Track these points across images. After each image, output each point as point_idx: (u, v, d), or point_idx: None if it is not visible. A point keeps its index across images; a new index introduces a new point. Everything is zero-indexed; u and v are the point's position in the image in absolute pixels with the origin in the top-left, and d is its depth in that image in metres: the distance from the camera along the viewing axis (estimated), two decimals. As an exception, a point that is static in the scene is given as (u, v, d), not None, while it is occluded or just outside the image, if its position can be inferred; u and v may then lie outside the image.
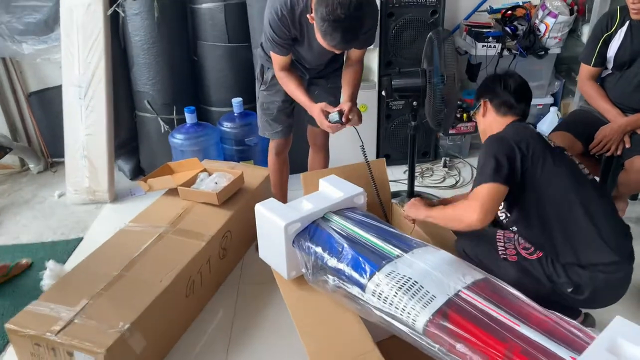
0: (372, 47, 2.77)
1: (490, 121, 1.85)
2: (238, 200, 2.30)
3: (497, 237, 1.74)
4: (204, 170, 2.43)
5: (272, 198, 1.87)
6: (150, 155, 3.04)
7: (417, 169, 2.98)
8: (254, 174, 2.48)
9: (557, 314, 1.35)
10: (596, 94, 2.29)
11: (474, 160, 3.17)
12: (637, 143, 2.12)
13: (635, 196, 2.66)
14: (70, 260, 2.39)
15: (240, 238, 2.32)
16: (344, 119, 1.96)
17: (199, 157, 2.58)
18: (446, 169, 3.08)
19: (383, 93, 2.31)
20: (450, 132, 3.06)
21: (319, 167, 2.44)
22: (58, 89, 2.97)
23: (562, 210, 1.63)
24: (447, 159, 3.12)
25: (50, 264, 2.20)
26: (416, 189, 2.67)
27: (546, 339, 1.23)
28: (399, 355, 1.51)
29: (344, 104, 2.02)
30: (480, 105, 1.89)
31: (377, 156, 3.09)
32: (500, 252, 1.69)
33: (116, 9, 2.74)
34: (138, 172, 3.13)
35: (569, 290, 1.60)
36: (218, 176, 2.33)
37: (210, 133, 2.80)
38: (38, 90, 3.19)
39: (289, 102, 2.24)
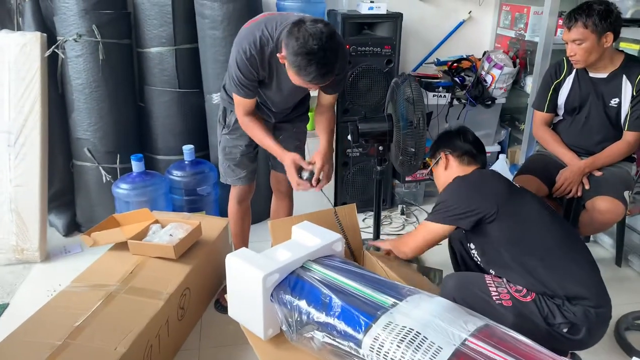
0: (329, 93, 2.74)
1: (453, 172, 1.86)
2: (196, 253, 2.10)
3: (487, 281, 1.68)
4: (156, 221, 2.21)
5: (244, 247, 1.70)
6: (89, 209, 2.75)
7: (375, 217, 2.92)
8: (210, 225, 2.29)
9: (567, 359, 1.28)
10: (551, 139, 2.37)
11: (430, 208, 3.15)
12: (596, 184, 2.19)
13: (588, 238, 2.73)
14: (-6, 331, 2.03)
15: (199, 295, 2.10)
16: (314, 182, 1.89)
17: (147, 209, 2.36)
18: (404, 217, 3.04)
19: (349, 137, 2.25)
20: (407, 179, 3.05)
21: (283, 215, 2.30)
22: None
23: (538, 247, 1.65)
24: (404, 206, 3.09)
25: (-29, 337, 1.85)
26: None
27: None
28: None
29: (317, 156, 1.93)
30: (440, 159, 1.92)
31: (335, 204, 2.99)
32: (494, 297, 1.62)
33: (55, 50, 2.53)
34: (73, 228, 2.81)
35: (565, 330, 1.56)
36: (173, 227, 2.13)
37: (159, 182, 2.59)
38: (-45, 138, 2.84)
39: (253, 147, 2.12)
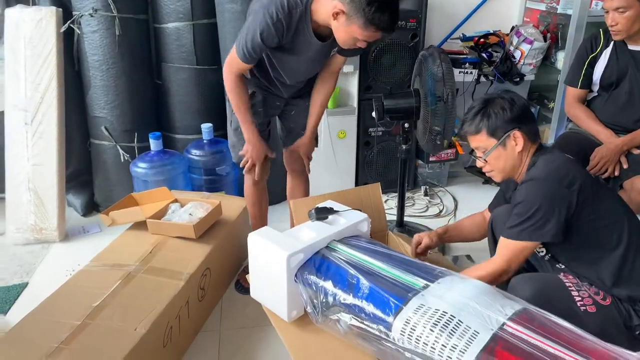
0: (351, 70, 2.65)
1: (524, 152, 1.57)
2: (216, 233, 2.04)
3: (568, 285, 1.49)
4: (175, 200, 2.16)
5: (267, 226, 1.64)
6: (107, 188, 2.72)
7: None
8: (230, 205, 2.23)
9: (617, 347, 1.19)
10: (586, 116, 2.26)
11: (454, 189, 3.08)
12: (634, 163, 2.08)
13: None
14: (13, 311, 2.01)
15: (219, 276, 2.05)
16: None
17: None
18: (428, 198, 2.95)
19: (373, 114, 2.16)
20: (431, 159, 2.95)
21: (299, 195, 2.23)
22: (0, 115, 2.62)
23: (620, 243, 1.48)
24: (427, 187, 3.00)
25: (-12, 315, 1.83)
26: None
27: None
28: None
29: (302, 148, 2.09)
30: (508, 137, 1.54)
31: (356, 184, 2.92)
32: (578, 303, 1.45)
33: (71, 25, 2.47)
34: (91, 207, 2.78)
35: (638, 332, 1.45)
36: (193, 206, 2.07)
37: (178, 161, 2.54)
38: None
39: (266, 125, 2.06)
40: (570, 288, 1.49)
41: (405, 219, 2.65)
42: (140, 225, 2.05)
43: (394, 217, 2.51)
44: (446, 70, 1.99)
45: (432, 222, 2.69)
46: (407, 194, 2.98)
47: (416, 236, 1.89)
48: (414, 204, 2.91)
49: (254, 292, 1.66)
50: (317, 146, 2.18)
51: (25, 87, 2.46)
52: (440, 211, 2.84)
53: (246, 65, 1.81)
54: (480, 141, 1.60)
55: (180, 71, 2.66)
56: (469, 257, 2.27)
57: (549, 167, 1.50)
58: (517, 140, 1.54)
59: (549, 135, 2.99)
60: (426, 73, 2.08)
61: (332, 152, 2.78)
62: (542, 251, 1.62)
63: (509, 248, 1.51)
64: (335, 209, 1.70)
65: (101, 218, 2.08)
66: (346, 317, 1.38)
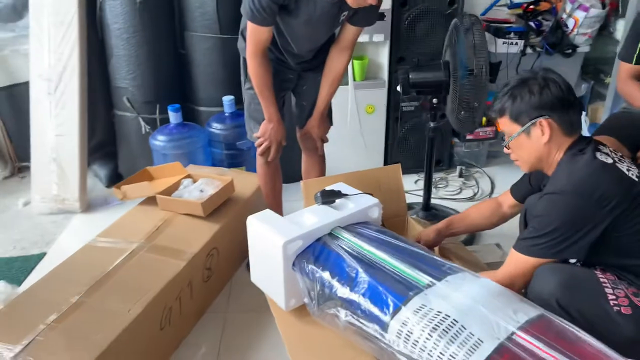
0: (382, 39, 2.47)
1: (554, 145, 1.36)
2: (227, 211, 1.97)
3: (602, 281, 1.29)
4: (188, 176, 2.09)
5: (267, 210, 1.54)
6: (130, 160, 2.70)
7: (430, 178, 2.66)
8: (245, 182, 2.14)
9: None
10: (640, 95, 1.99)
11: (492, 170, 2.86)
12: (695, 149, 1.82)
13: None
14: (27, 281, 2.03)
15: (229, 256, 1.98)
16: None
17: (184, 162, 2.26)
18: (462, 179, 2.76)
19: (398, 88, 2.00)
20: (468, 137, 2.75)
21: (314, 174, 2.11)
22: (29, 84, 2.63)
23: None
24: (463, 168, 2.80)
25: (0, 286, 1.84)
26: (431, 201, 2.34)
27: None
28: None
29: (312, 128, 1.98)
30: (533, 125, 1.34)
31: (385, 163, 2.76)
32: (612, 303, 1.25)
33: (92, -8, 2.43)
34: (116, 179, 2.76)
35: None
36: (204, 183, 2.00)
37: (197, 135, 2.47)
38: (6, 85, 2.83)
39: (280, 102, 1.92)
40: (604, 284, 1.29)
41: (436, 201, 2.49)
42: (152, 201, 2.00)
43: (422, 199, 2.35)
44: (478, 40, 1.79)
45: (463, 205, 2.51)
46: (441, 175, 2.81)
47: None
48: (447, 186, 2.73)
49: (254, 278, 1.57)
50: (331, 124, 2.04)
51: (48, 56, 2.45)
52: (475, 194, 2.64)
53: (261, 31, 1.66)
54: (504, 125, 1.41)
55: (203, 40, 2.56)
56: (498, 245, 2.10)
57: (573, 179, 1.29)
58: (544, 129, 1.33)
59: (603, 113, 2.71)
60: (458, 44, 1.88)
61: (359, 129, 2.63)
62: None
63: (516, 263, 1.33)
64: (343, 192, 1.57)
65: (114, 192, 2.05)
66: (342, 313, 1.27)
